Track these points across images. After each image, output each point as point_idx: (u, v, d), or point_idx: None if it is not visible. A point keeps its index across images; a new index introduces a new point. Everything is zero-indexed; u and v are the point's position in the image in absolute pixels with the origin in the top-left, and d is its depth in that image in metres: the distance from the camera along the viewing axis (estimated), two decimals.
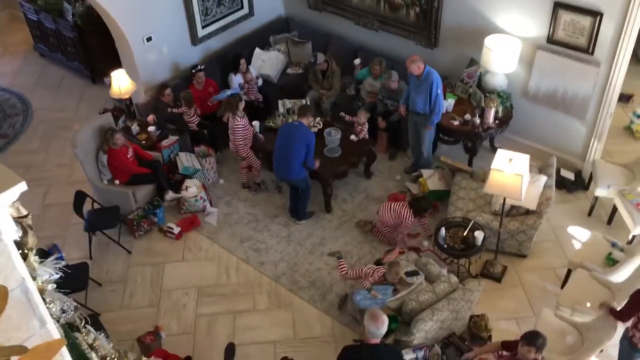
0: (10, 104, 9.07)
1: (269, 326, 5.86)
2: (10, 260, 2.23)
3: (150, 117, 7.43)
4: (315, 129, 7.13)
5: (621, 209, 6.22)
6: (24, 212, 3.05)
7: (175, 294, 6.22)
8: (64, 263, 3.12)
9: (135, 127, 7.43)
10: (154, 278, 6.38)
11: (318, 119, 7.34)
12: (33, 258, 2.98)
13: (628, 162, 6.60)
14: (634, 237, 6.14)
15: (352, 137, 7.14)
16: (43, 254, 3.38)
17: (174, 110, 7.37)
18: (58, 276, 3.15)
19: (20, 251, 2.69)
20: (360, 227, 6.67)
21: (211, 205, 7.10)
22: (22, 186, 2.23)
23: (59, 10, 9.02)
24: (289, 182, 6.68)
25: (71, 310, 3.10)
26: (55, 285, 3.09)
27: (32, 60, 10.08)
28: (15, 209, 2.94)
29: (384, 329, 4.09)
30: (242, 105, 6.81)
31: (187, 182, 7.02)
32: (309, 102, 7.44)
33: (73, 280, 5.50)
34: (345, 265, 5.92)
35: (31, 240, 3.00)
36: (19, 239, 2.81)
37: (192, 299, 6.14)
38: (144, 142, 7.32)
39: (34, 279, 2.92)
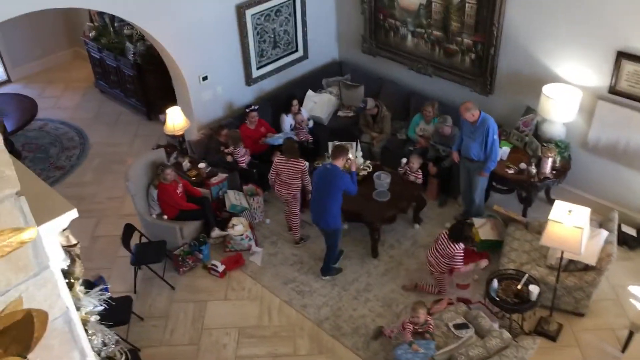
0: (68, 137, 9.37)
1: None
2: (56, 288, 2.19)
3: (230, 149, 7.43)
4: (365, 172, 7.04)
5: None
6: (73, 241, 3.03)
7: (215, 333, 6.12)
8: (108, 295, 3.07)
9: (186, 164, 7.52)
10: (195, 315, 6.31)
11: (368, 162, 7.26)
12: (79, 288, 2.94)
13: None
14: None
15: (411, 177, 7.06)
16: (89, 285, 3.35)
17: (225, 150, 7.42)
18: (102, 308, 3.10)
19: (66, 280, 2.65)
20: (407, 290, 6.43)
21: (256, 244, 7.05)
22: (73, 213, 2.20)
23: (121, 49, 9.36)
24: (321, 231, 6.45)
25: (112, 344, 3.04)
26: (98, 317, 3.04)
27: (92, 96, 10.44)
28: (65, 237, 2.93)
29: None
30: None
31: (234, 220, 7.00)
32: (359, 146, 7.37)
33: (116, 313, 5.48)
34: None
35: (78, 270, 2.97)
36: (66, 268, 2.78)
37: (233, 339, 6.03)
38: (194, 178, 7.38)
39: (78, 309, 2.88)
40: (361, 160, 7.28)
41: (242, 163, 7.46)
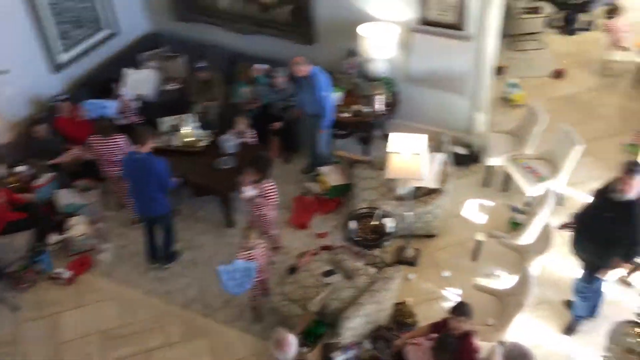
0: None
1: (188, 358, 5.45)
2: None
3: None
4: (205, 143, 6.79)
5: (514, 174, 6.42)
6: None
7: (76, 344, 5.64)
8: None
9: (1, 171, 6.68)
10: (49, 332, 5.74)
11: (207, 131, 6.97)
12: None
13: (512, 129, 6.84)
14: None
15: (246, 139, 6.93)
16: None
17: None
18: None
19: None
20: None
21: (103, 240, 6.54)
22: None
23: None
24: (150, 220, 6.09)
25: None
26: None
27: None
28: None
29: (291, 352, 4.04)
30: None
31: (72, 220, 6.42)
32: (196, 116, 7.04)
33: None
34: None
35: None
36: None
37: (97, 347, 5.59)
38: (14, 185, 6.59)
39: None
40: (201, 131, 6.96)
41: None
